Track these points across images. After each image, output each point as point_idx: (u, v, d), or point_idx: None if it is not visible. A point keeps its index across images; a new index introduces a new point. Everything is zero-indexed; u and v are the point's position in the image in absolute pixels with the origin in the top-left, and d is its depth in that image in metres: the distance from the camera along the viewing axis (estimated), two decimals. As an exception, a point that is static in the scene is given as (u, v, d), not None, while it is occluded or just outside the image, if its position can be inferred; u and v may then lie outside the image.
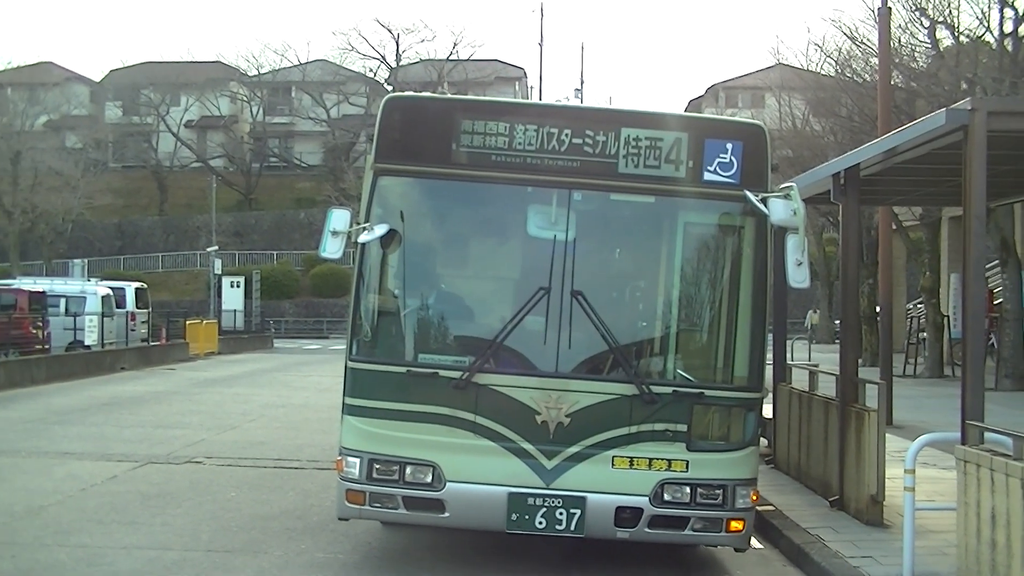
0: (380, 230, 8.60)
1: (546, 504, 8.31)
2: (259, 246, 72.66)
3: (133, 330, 38.46)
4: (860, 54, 31.75)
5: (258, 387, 27.80)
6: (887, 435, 10.65)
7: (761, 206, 8.49)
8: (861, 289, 29.60)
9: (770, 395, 13.59)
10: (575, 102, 46.38)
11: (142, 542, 9.96)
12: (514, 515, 8.32)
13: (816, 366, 14.29)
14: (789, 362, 15.11)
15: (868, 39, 30.05)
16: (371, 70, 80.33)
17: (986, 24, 26.92)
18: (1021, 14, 25.77)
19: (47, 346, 31.10)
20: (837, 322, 39.48)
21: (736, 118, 10.47)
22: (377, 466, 8.46)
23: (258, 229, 75.18)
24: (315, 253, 60.00)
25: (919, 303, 35.71)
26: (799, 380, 14.03)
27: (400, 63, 78.05)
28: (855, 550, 9.54)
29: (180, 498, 12.10)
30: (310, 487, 12.85)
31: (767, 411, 12.80)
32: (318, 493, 12.35)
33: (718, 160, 8.63)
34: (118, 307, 37.35)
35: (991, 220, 22.86)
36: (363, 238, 8.59)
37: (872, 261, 31.90)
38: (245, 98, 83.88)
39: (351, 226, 8.65)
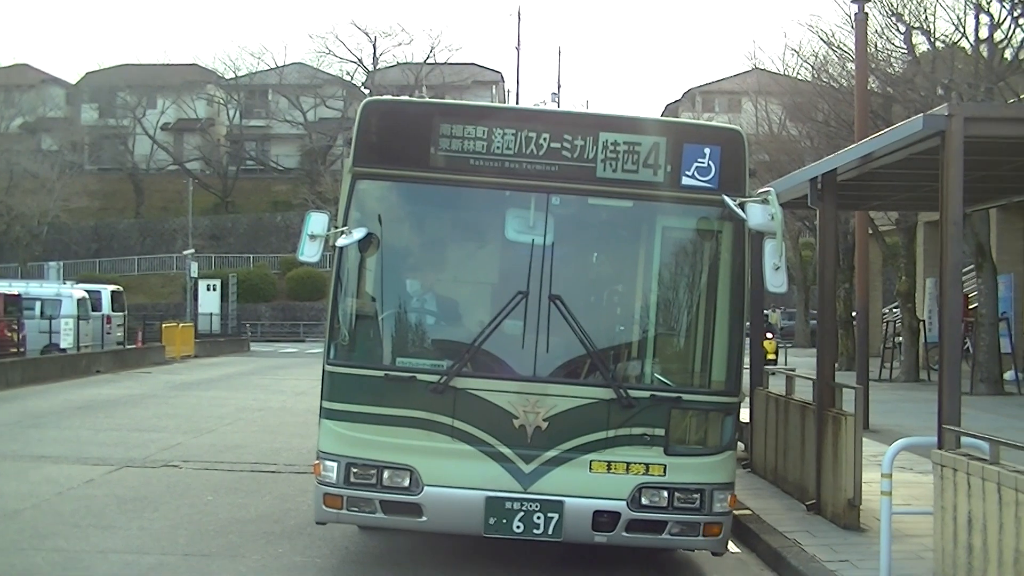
0: (358, 234, 8.57)
1: (524, 508, 8.29)
2: (235, 249, 72.54)
3: (109, 333, 38.18)
4: (837, 59, 31.80)
5: (235, 390, 27.70)
6: (863, 439, 10.69)
7: (739, 211, 8.49)
8: (837, 293, 29.70)
9: (747, 399, 13.62)
10: (552, 106, 46.45)
11: (119, 546, 9.90)
12: (491, 519, 8.30)
13: (793, 370, 14.32)
14: (766, 366, 15.14)
15: (845, 44, 30.13)
16: (348, 73, 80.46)
17: (962, 30, 27.06)
18: (996, 20, 25.92)
19: (22, 349, 30.90)
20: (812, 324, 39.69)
21: (714, 123, 10.46)
22: (355, 470, 8.43)
23: (235, 232, 75.05)
24: (292, 256, 60.08)
25: (895, 307, 35.85)
26: (776, 384, 14.06)
27: (377, 66, 78.04)
28: (832, 554, 9.56)
29: (157, 502, 12.04)
30: (287, 491, 12.80)
31: (744, 415, 12.81)
32: (295, 497, 12.30)
33: (696, 165, 8.63)
34: (94, 310, 37.07)
35: (967, 225, 22.99)
36: (341, 242, 8.57)
37: (848, 266, 32.02)
38: (222, 101, 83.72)
39: (329, 230, 8.63)
